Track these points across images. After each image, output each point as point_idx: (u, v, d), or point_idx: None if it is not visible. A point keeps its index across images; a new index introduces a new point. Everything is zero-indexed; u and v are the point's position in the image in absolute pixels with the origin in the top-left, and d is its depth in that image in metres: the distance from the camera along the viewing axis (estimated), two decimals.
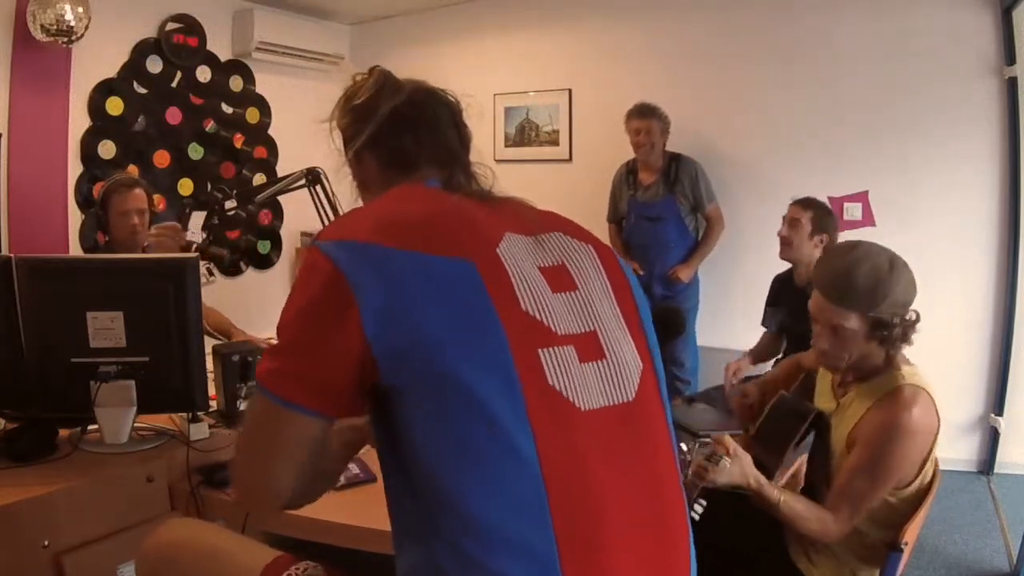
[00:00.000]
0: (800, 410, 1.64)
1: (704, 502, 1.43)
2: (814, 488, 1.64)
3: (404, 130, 1.03)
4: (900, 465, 1.42)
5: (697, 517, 1.42)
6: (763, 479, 1.43)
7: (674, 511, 0.92)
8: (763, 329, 3.08)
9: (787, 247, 2.74)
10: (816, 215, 2.70)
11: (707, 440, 1.43)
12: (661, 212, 3.64)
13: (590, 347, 0.89)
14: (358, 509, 1.43)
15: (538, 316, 0.87)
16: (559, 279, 0.92)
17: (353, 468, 1.58)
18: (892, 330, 1.44)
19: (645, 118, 3.59)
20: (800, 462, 1.79)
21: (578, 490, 0.82)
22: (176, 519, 1.30)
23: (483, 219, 0.93)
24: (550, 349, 0.85)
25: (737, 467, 1.41)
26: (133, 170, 3.92)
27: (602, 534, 0.82)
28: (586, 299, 0.93)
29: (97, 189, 2.67)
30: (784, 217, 2.79)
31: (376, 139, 1.04)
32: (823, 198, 3.56)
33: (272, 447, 0.86)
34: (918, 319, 1.48)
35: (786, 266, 2.88)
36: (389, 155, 1.04)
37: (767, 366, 3.11)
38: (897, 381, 1.46)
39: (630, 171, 3.78)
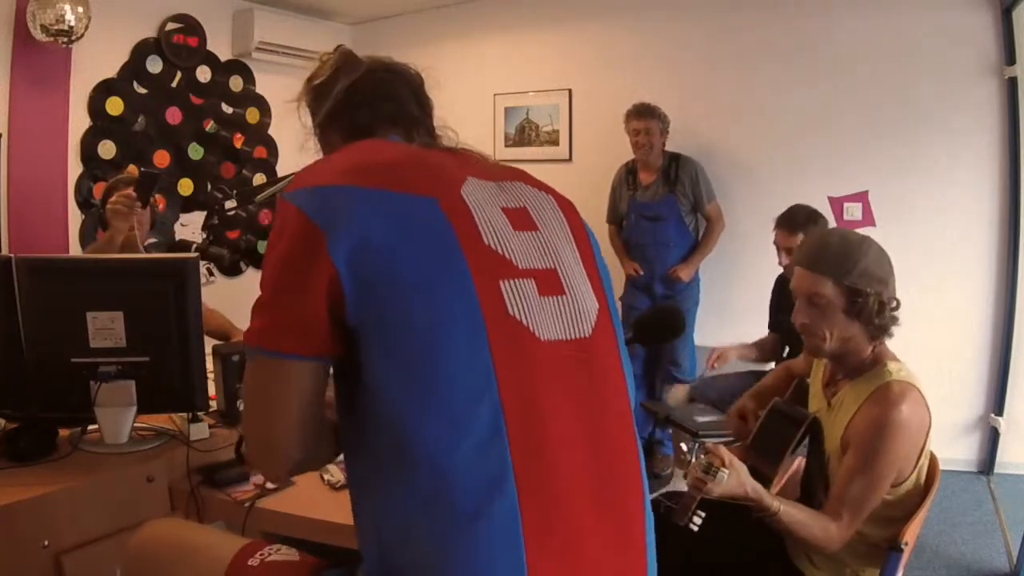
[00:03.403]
0: (795, 416, 1.62)
1: (703, 514, 1.42)
2: (812, 495, 1.62)
3: (360, 104, 1.09)
4: (894, 462, 1.42)
5: (696, 528, 1.41)
6: (761, 489, 1.42)
7: (624, 443, 0.95)
8: (764, 330, 3.08)
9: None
10: (806, 233, 2.64)
11: (705, 442, 1.41)
12: (661, 212, 3.63)
13: (550, 282, 0.93)
14: None
15: (499, 250, 0.90)
16: (521, 219, 0.96)
17: None
18: (867, 300, 1.45)
19: (644, 118, 3.58)
20: (796, 467, 1.78)
21: (532, 415, 0.85)
22: (157, 519, 1.30)
23: (446, 164, 0.98)
24: (510, 281, 0.89)
25: (734, 478, 1.39)
26: (134, 170, 3.92)
27: (553, 458, 0.85)
28: (546, 240, 0.97)
29: (98, 190, 2.67)
30: (776, 244, 2.72)
31: (335, 114, 1.10)
32: (823, 198, 3.58)
33: (279, 404, 0.87)
34: (898, 306, 1.49)
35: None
36: (349, 128, 1.09)
37: (762, 366, 3.11)
38: (885, 378, 1.47)
39: (630, 171, 3.77)
